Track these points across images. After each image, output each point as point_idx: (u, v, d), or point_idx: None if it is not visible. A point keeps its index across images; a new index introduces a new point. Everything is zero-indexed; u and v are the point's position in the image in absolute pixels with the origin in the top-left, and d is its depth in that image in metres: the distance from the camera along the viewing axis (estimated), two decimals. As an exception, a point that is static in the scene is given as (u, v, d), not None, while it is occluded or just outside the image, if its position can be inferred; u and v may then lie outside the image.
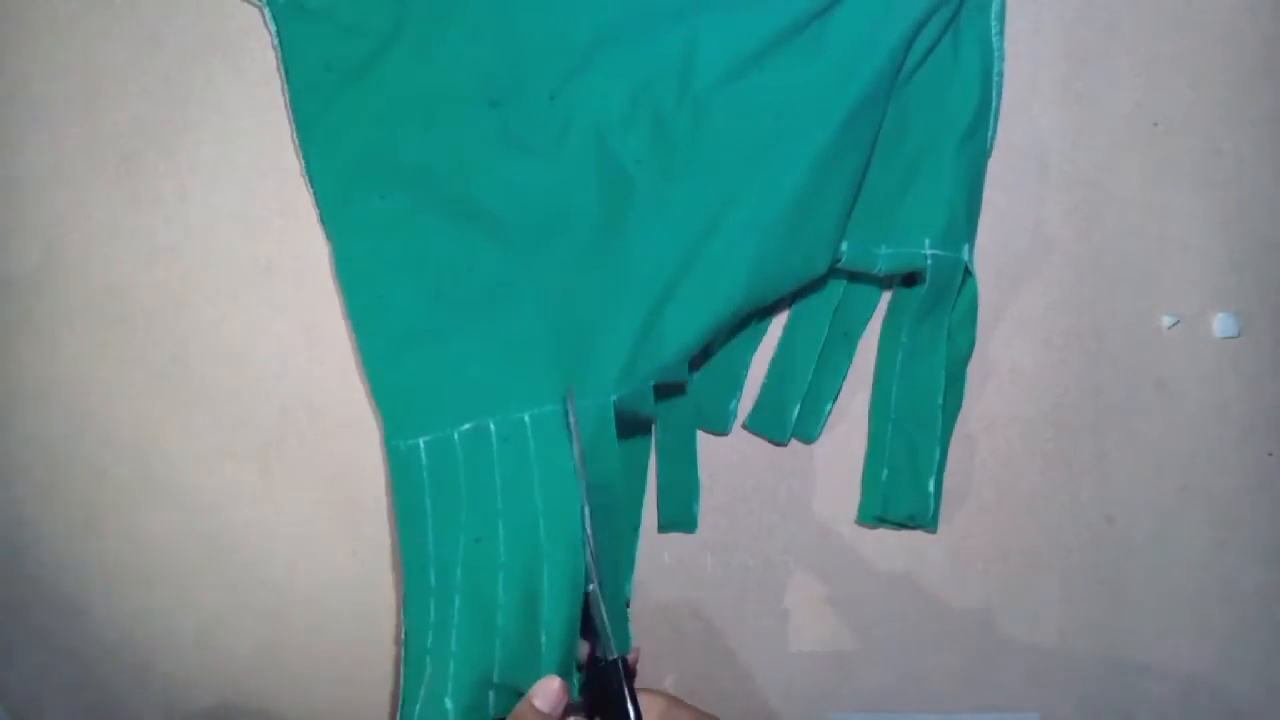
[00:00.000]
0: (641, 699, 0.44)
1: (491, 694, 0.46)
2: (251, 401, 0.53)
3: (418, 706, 0.46)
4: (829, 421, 0.54)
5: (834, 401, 0.54)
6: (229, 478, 0.53)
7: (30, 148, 0.55)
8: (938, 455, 0.52)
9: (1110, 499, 0.54)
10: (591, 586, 0.45)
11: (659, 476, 0.53)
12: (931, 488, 0.52)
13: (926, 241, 0.52)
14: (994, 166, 0.56)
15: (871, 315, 0.55)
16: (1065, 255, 0.55)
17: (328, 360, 0.54)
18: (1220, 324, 0.55)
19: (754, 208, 0.50)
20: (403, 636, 0.48)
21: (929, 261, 0.52)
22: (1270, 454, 0.54)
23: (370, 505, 0.53)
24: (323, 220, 0.53)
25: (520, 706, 0.44)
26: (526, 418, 0.48)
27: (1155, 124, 0.56)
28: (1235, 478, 0.54)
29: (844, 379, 0.54)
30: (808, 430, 0.53)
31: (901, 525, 0.53)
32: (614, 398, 0.48)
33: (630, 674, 0.44)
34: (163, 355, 0.53)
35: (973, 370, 0.54)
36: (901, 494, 0.52)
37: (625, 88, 0.52)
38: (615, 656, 0.44)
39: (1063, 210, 0.56)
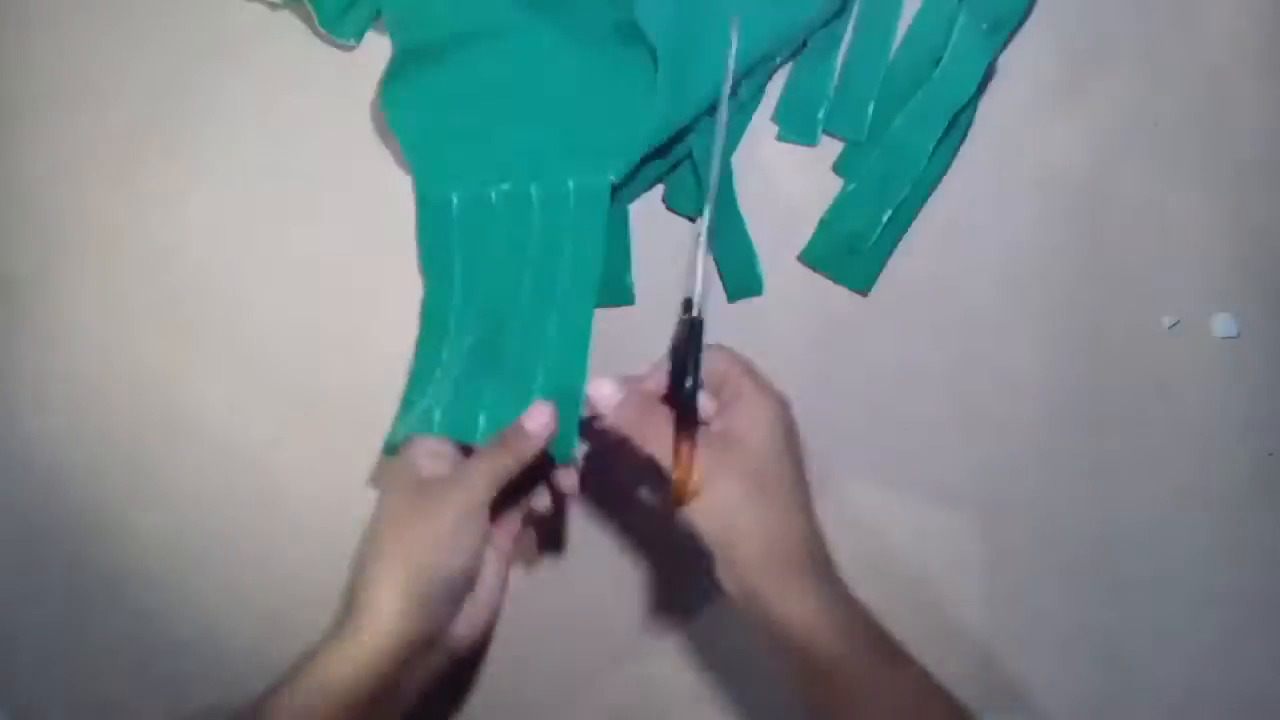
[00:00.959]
0: (713, 356, 0.44)
1: (482, 417, 0.47)
2: (252, 402, 0.53)
3: (408, 418, 0.49)
4: (830, 422, 0.54)
5: (874, 103, 0.55)
6: (229, 478, 0.53)
7: (30, 148, 0.55)
8: (906, 192, 0.53)
9: (1110, 499, 0.54)
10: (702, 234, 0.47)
11: (717, 252, 0.54)
12: (885, 219, 0.53)
13: None
14: (994, 166, 0.56)
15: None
16: (1065, 255, 0.55)
17: (328, 360, 0.54)
18: (1220, 324, 0.55)
19: None
20: (409, 376, 0.51)
21: None
22: (1270, 454, 0.54)
23: (370, 506, 0.53)
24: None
25: (508, 428, 0.44)
26: (571, 185, 0.51)
27: (1155, 124, 0.56)
28: (1235, 478, 0.54)
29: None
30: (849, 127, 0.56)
31: (837, 261, 0.54)
32: (612, 177, 0.51)
33: (699, 337, 0.45)
34: (163, 355, 0.53)
35: (973, 371, 0.54)
36: (856, 210, 0.54)
37: None
38: (698, 317, 0.45)
39: (1063, 210, 0.56)
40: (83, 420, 0.53)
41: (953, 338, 0.55)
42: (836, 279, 0.55)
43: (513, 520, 0.48)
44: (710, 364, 0.44)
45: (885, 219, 0.54)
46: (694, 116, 0.53)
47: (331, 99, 0.56)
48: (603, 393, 0.44)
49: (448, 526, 0.42)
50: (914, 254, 0.55)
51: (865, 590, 0.53)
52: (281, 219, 0.55)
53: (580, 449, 0.48)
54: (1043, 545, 0.53)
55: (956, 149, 0.55)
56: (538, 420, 0.44)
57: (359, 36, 0.56)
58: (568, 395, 0.47)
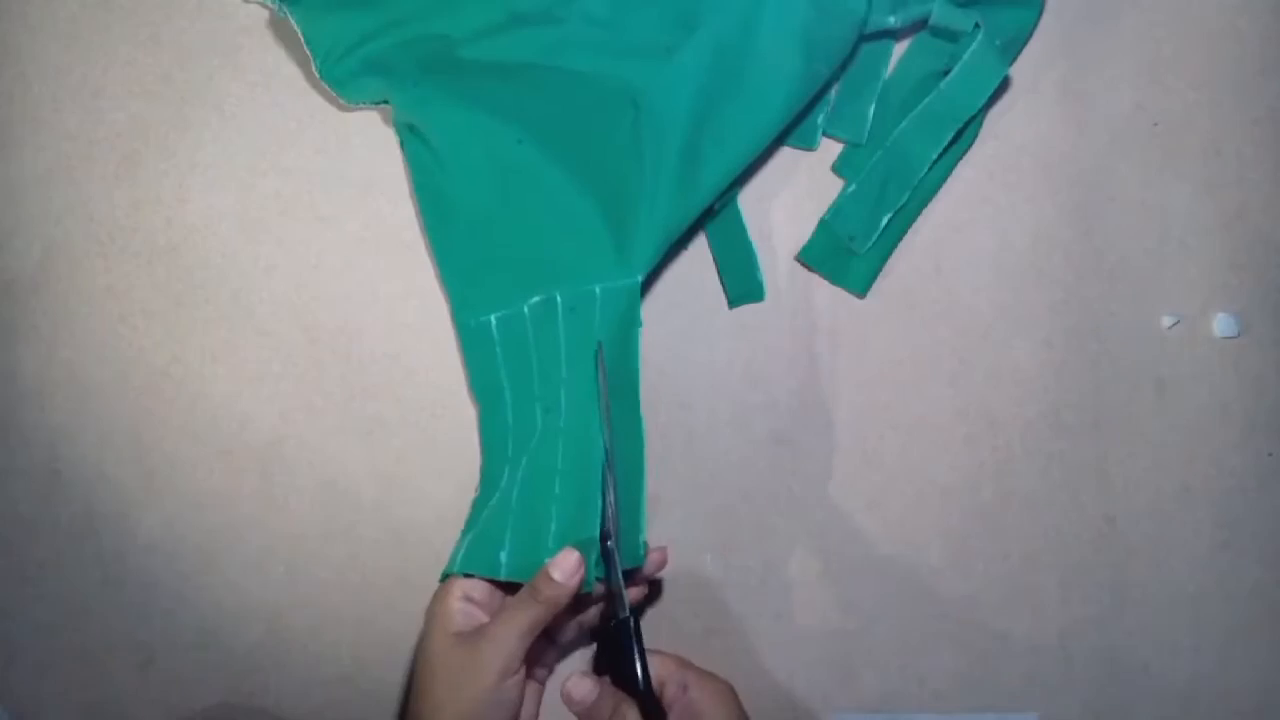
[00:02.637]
0: (651, 660, 0.45)
1: (547, 558, 0.47)
2: (252, 402, 0.53)
3: (464, 553, 0.48)
4: (829, 422, 0.54)
5: (875, 103, 0.56)
6: (229, 478, 0.53)
7: (30, 148, 0.55)
8: (906, 198, 0.54)
9: (1110, 499, 0.54)
10: (609, 543, 0.46)
11: (717, 255, 0.55)
12: (884, 222, 0.54)
13: None
14: (994, 166, 0.56)
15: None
16: (1065, 255, 0.55)
17: (328, 360, 0.54)
18: (1220, 324, 0.55)
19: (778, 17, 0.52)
20: (474, 498, 0.51)
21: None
22: (1270, 454, 0.54)
23: (370, 505, 0.53)
24: (397, 129, 0.55)
25: (537, 577, 0.44)
26: (597, 289, 0.51)
27: (1155, 124, 0.56)
28: (1235, 478, 0.54)
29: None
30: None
31: (835, 262, 0.54)
32: (640, 278, 0.51)
33: (639, 634, 0.45)
34: (163, 355, 0.54)
35: (973, 370, 0.54)
36: (855, 211, 0.54)
37: None
38: (626, 616, 0.45)
39: (1063, 210, 0.56)
40: (83, 420, 0.53)
41: (952, 338, 0.55)
42: (833, 280, 0.55)
43: (548, 651, 0.49)
44: (652, 667, 0.45)
45: (884, 222, 0.54)
46: (714, 199, 0.53)
47: (331, 99, 0.56)
48: (580, 692, 0.45)
49: (490, 686, 0.43)
50: (914, 254, 0.55)
51: (865, 590, 0.53)
52: (281, 219, 0.55)
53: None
54: (1043, 545, 0.53)
55: (959, 159, 0.55)
56: (564, 569, 0.44)
57: (354, 102, 0.55)
58: (629, 499, 0.48)
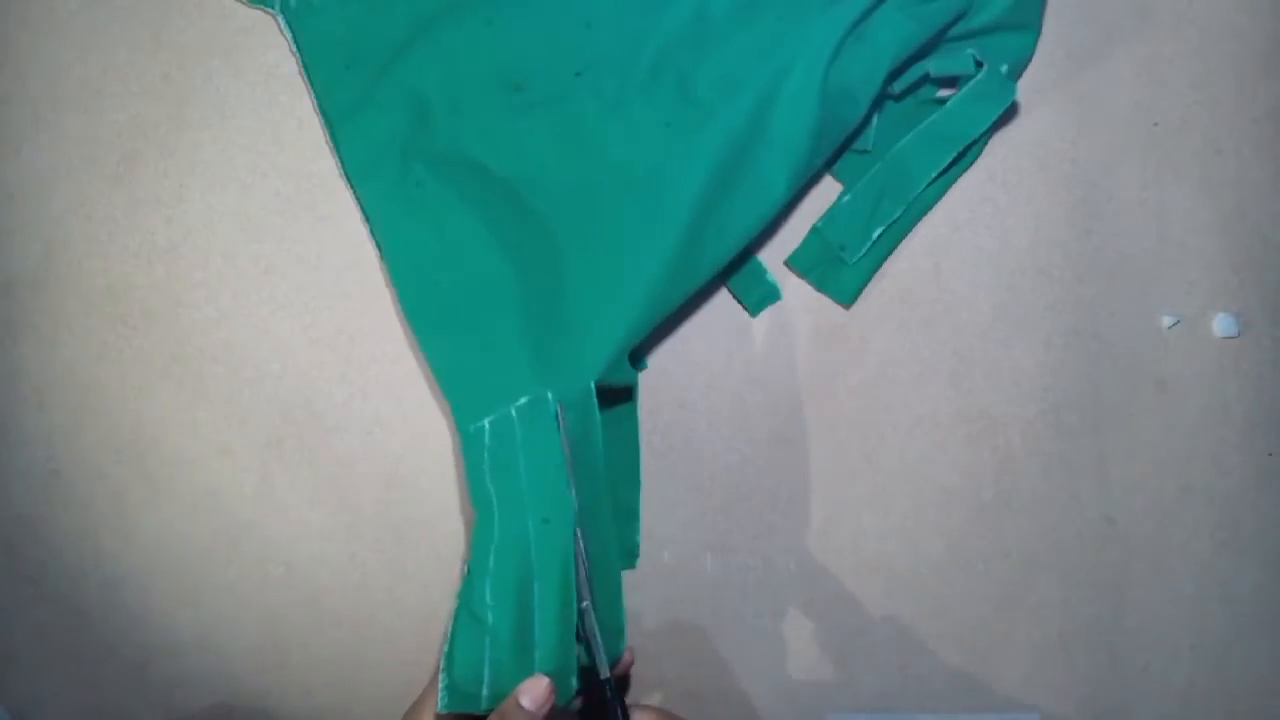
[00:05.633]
0: (634, 714, 0.44)
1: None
2: (251, 401, 0.53)
3: (448, 694, 0.45)
4: (829, 422, 0.54)
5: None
6: (229, 478, 0.53)
7: (30, 148, 0.55)
8: (899, 212, 0.54)
9: (1110, 499, 0.54)
10: (585, 603, 0.45)
11: (724, 274, 0.54)
12: (875, 235, 0.54)
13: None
14: (994, 165, 0.56)
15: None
16: (1065, 255, 0.55)
17: (328, 360, 0.54)
18: (1220, 324, 0.55)
19: (790, 114, 0.51)
20: (454, 609, 0.46)
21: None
22: (1270, 454, 0.54)
23: (370, 506, 0.53)
24: (366, 218, 0.54)
25: (506, 704, 0.43)
26: (592, 385, 0.48)
27: (1155, 124, 0.56)
28: (1235, 478, 0.54)
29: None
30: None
31: (823, 270, 0.54)
32: (594, 381, 0.48)
33: (620, 691, 0.44)
34: (163, 355, 0.54)
35: (973, 370, 0.54)
36: (848, 221, 0.54)
37: (647, 55, 0.53)
38: (606, 676, 0.44)
39: (1063, 210, 0.56)
40: (83, 420, 0.53)
41: (952, 338, 0.55)
42: (820, 287, 0.54)
43: None
44: None
45: (876, 235, 0.54)
46: (704, 283, 0.52)
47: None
48: None
49: None
50: (913, 254, 0.55)
51: (865, 590, 0.53)
52: (281, 219, 0.55)
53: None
54: (1043, 545, 0.53)
55: (957, 178, 0.55)
56: (534, 697, 0.43)
57: (350, 174, 0.55)
58: (610, 600, 0.47)
